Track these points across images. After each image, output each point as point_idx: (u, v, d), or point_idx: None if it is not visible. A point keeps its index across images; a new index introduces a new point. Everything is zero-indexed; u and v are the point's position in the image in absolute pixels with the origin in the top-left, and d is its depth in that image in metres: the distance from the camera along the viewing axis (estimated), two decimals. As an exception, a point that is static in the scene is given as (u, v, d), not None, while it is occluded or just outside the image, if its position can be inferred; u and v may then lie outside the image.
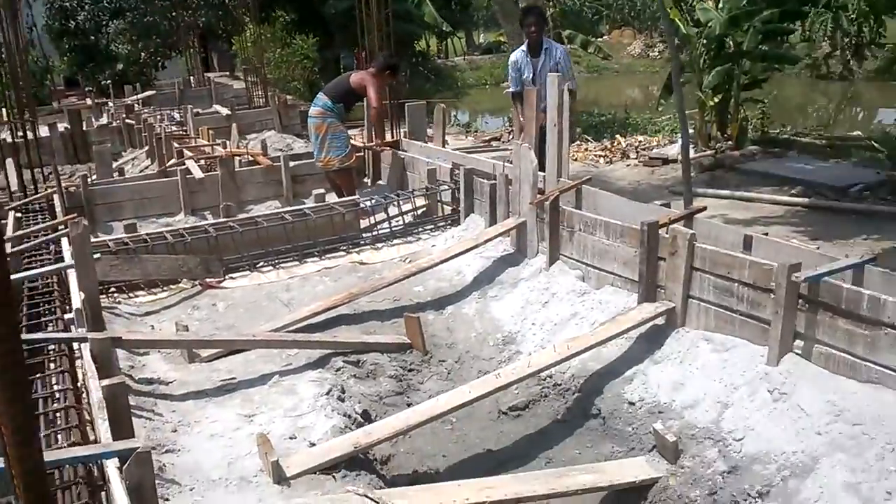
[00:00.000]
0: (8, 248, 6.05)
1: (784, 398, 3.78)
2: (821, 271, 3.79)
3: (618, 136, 13.26)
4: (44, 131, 12.66)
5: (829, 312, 3.74)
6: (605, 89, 29.66)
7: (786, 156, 11.07)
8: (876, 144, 11.73)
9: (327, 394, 4.56)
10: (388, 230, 7.30)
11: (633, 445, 4.15)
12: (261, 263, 6.72)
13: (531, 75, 7.37)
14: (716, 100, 11.12)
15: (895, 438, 3.32)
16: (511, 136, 12.76)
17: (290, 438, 4.17)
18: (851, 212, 8.27)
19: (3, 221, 6.88)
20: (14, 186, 8.32)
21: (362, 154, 9.04)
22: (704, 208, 5.16)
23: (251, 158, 9.61)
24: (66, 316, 4.48)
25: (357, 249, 7.02)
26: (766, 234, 4.88)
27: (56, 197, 7.18)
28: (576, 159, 12.04)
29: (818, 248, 5.01)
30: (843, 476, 3.32)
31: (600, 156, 12.14)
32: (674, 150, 10.85)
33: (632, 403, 4.33)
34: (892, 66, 25.04)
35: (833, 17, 28.25)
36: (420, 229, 7.42)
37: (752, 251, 4.57)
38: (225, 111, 14.53)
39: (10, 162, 8.65)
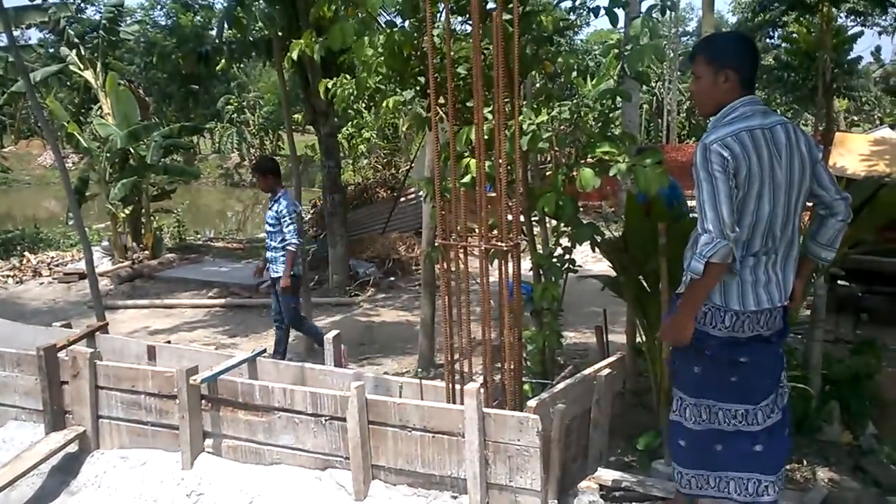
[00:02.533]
0: None
1: (201, 499, 3.91)
2: (216, 370, 4.08)
3: (27, 252, 12.32)
4: None
5: (231, 407, 4.03)
6: (16, 203, 27.42)
7: (202, 260, 11.66)
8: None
9: None
10: None
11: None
12: None
13: None
14: (127, 211, 11.19)
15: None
16: None
17: None
18: (262, 307, 9.06)
19: None
20: None
21: None
22: (105, 324, 5.11)
23: None
24: None
25: None
26: (169, 342, 5.06)
27: None
28: (-21, 283, 10.82)
29: (217, 347, 5.36)
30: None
31: (9, 276, 11.11)
32: (89, 265, 10.53)
33: (49, 545, 3.99)
34: (291, 174, 28.46)
35: (237, 131, 31.13)
36: None
37: (156, 360, 4.68)
38: None
39: None
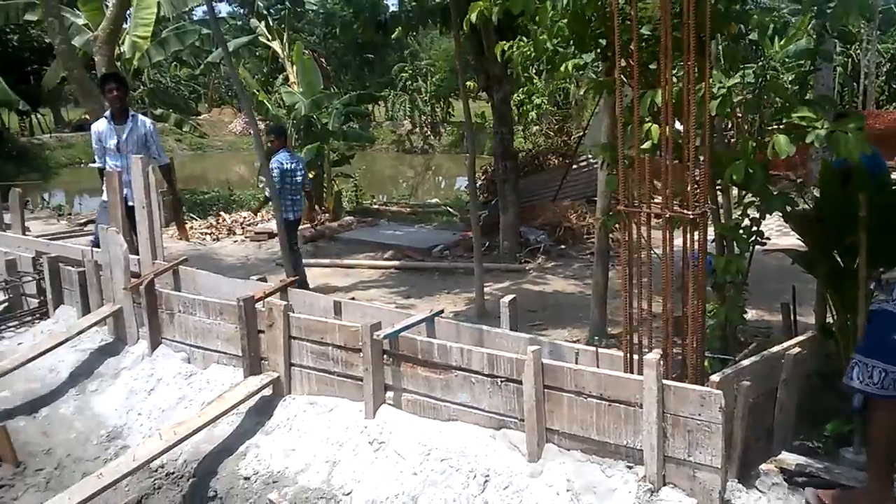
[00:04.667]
0: None
1: (382, 447, 4.14)
2: (397, 328, 4.27)
3: (222, 212, 13.34)
4: None
5: (410, 363, 4.22)
6: (210, 167, 29.58)
7: (378, 224, 12.14)
8: (451, 209, 13.47)
9: None
10: (-40, 333, 6.41)
11: (251, 520, 4.18)
12: None
13: (116, 143, 7.01)
14: (310, 175, 11.80)
15: (476, 465, 3.83)
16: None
17: None
18: (435, 270, 9.33)
19: None
20: None
21: None
22: (296, 280, 5.46)
23: None
24: None
25: (-81, 358, 6.03)
26: (353, 299, 5.33)
27: None
28: (182, 238, 11.83)
29: (395, 306, 5.58)
30: (438, 508, 3.73)
31: (207, 233, 12.08)
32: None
33: (247, 478, 4.36)
34: (461, 141, 28.90)
35: (410, 99, 31.87)
36: (2, 328, 6.63)
37: (341, 316, 4.96)
38: None
39: None
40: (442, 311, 4.81)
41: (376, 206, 14.12)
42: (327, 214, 12.24)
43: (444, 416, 4.14)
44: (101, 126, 7.10)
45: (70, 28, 12.90)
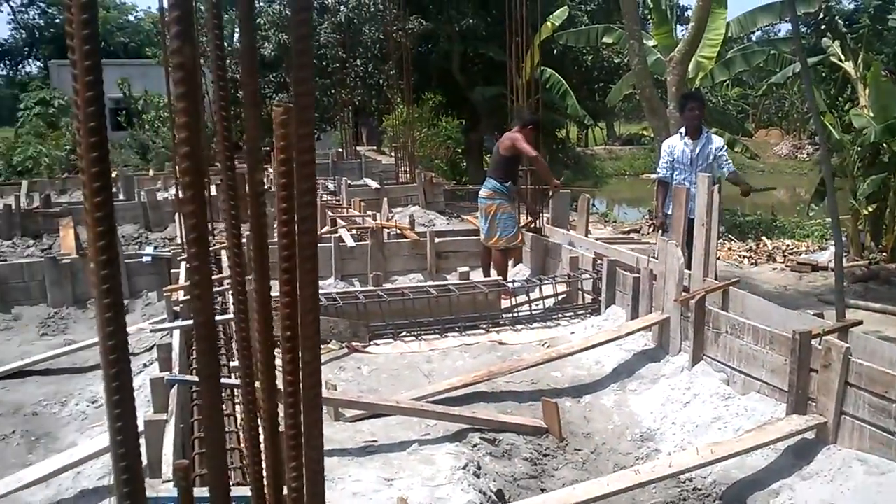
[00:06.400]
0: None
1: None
2: None
3: (763, 237, 12.98)
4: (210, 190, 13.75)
5: None
6: (749, 188, 28.96)
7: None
8: None
9: (464, 468, 4.64)
10: (529, 313, 7.44)
11: (777, 562, 4.02)
12: (404, 333, 6.99)
13: (690, 157, 7.41)
14: (870, 209, 10.74)
15: None
16: (651, 230, 12.73)
17: (428, 507, 4.30)
18: None
19: (175, 271, 7.60)
20: (182, 239, 9.11)
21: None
22: (860, 322, 5.01)
23: (399, 232, 10.08)
24: (232, 364, 4.88)
25: (497, 329, 7.18)
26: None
27: (224, 252, 7.80)
28: (719, 258, 11.86)
29: None
30: None
31: (745, 257, 11.89)
32: (824, 257, 10.52)
33: (777, 518, 4.20)
34: None
35: None
36: (559, 315, 7.51)
37: (915, 371, 4.40)
38: (375, 184, 15.28)
39: (178, 216, 9.52)
40: None
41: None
42: (884, 254, 11.00)
43: None
44: (674, 141, 7.56)
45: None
